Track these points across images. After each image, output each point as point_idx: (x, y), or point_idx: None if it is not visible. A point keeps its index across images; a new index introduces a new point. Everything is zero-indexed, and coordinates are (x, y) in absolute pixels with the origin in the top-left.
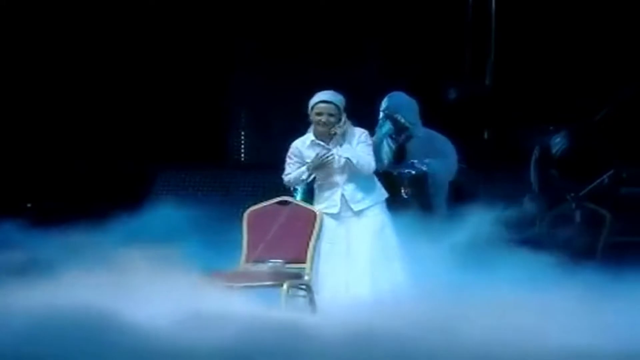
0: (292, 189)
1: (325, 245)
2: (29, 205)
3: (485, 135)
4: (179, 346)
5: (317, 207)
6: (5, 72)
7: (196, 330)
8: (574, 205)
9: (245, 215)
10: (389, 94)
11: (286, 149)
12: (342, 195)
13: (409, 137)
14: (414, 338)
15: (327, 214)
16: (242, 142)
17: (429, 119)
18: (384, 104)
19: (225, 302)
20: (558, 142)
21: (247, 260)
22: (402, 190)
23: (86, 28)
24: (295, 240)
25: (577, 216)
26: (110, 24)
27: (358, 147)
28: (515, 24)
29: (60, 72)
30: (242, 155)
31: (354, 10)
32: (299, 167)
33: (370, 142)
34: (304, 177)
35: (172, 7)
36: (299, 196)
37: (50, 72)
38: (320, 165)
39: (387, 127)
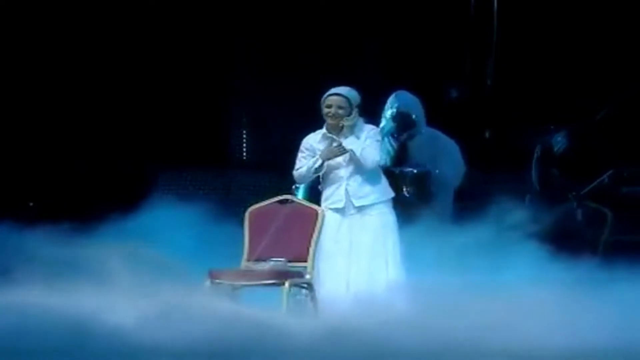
0: (293, 187)
1: (328, 244)
2: (31, 204)
3: (487, 135)
4: (156, 345)
5: (324, 203)
6: (5, 72)
7: (175, 329)
8: (575, 204)
9: (247, 214)
10: (395, 93)
11: (287, 148)
12: (346, 189)
13: (411, 136)
14: (402, 337)
15: (332, 209)
16: (244, 141)
17: (430, 119)
18: (393, 102)
19: (206, 300)
20: (559, 142)
21: (249, 259)
22: (404, 189)
23: (86, 28)
24: (297, 238)
25: (579, 215)
26: (112, 24)
27: (366, 142)
28: (517, 23)
29: (61, 72)
30: (244, 154)
31: (354, 10)
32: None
33: (379, 138)
34: (316, 165)
35: (173, 7)
36: (300, 195)
37: (51, 72)
38: (330, 155)
39: (389, 125)
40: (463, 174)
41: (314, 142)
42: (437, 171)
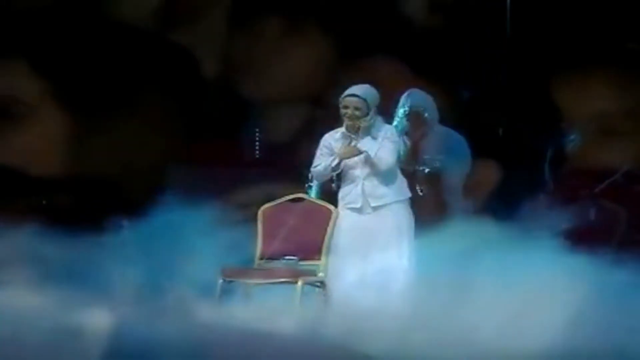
0: (306, 185)
1: (343, 242)
2: (44, 202)
3: (500, 134)
4: (160, 346)
5: (341, 202)
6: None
7: (185, 330)
8: (588, 202)
9: (260, 212)
10: (408, 91)
11: (301, 147)
12: (363, 189)
13: (423, 134)
14: (413, 336)
15: (350, 208)
16: (257, 139)
17: (442, 117)
18: (407, 101)
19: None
20: (572, 140)
21: (262, 257)
22: (417, 188)
23: (91, 27)
24: (310, 237)
25: (592, 213)
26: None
27: (382, 143)
28: (530, 21)
29: (63, 72)
30: (257, 152)
31: (365, 6)
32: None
33: (396, 139)
34: (333, 164)
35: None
36: (313, 193)
37: (53, 72)
38: (346, 155)
39: (401, 124)
40: (466, 172)
41: (332, 141)
42: (448, 169)
